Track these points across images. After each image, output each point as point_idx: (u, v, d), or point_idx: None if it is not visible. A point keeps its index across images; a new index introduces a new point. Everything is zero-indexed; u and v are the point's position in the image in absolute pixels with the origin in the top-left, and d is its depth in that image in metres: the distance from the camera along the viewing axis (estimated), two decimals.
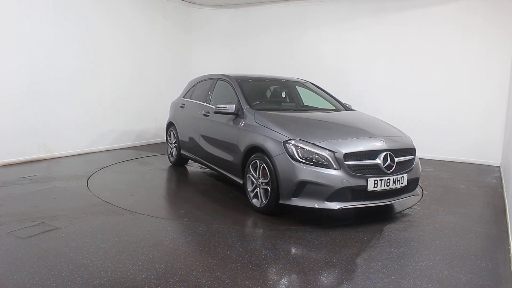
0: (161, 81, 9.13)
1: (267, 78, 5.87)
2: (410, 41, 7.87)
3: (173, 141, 6.57)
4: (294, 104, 5.63)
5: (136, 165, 6.66)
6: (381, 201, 4.02)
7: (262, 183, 4.19)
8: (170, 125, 6.77)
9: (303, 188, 3.84)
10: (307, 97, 5.89)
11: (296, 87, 5.88)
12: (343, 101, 5.74)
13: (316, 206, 3.83)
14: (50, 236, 3.47)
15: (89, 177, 5.61)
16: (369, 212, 4.42)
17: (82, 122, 7.32)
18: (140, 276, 2.80)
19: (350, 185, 3.79)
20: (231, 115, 4.85)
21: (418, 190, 4.53)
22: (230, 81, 5.33)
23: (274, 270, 2.99)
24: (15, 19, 6.15)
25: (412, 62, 7.90)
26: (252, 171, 4.35)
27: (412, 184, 4.32)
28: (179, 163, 6.55)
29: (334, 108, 5.41)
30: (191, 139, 5.91)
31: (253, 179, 4.34)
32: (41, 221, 3.82)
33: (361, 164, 3.90)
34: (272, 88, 5.77)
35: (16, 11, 6.15)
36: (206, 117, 5.46)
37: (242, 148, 4.51)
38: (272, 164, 4.03)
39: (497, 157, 7.30)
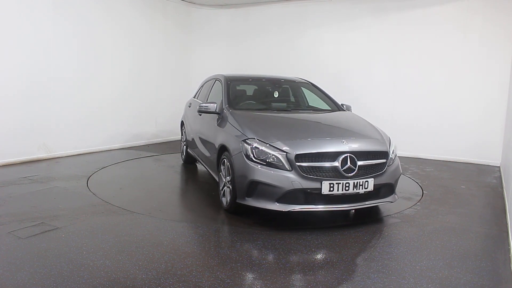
0: (161, 81, 9.13)
1: (263, 78, 5.86)
2: (410, 41, 7.87)
3: (184, 139, 6.75)
4: (285, 104, 5.54)
5: (136, 165, 6.66)
6: (340, 206, 3.80)
7: (228, 181, 4.17)
8: (182, 124, 6.98)
9: (255, 188, 3.78)
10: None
11: (294, 87, 5.84)
12: (343, 102, 5.72)
13: (267, 207, 3.74)
14: (50, 236, 3.47)
15: (89, 177, 5.61)
16: (369, 213, 4.42)
17: (82, 122, 7.32)
18: (140, 276, 2.80)
19: (301, 187, 3.65)
20: (216, 115, 4.89)
21: (395, 196, 4.22)
22: (221, 81, 5.40)
23: (274, 270, 2.99)
24: (15, 19, 6.15)
25: (412, 62, 7.90)
26: (222, 169, 4.38)
27: (384, 189, 4.04)
28: (188, 161, 6.72)
29: (329, 108, 5.31)
30: (192, 137, 6.06)
31: (223, 178, 4.35)
32: (41, 221, 3.82)
33: (315, 166, 3.72)
34: (264, 88, 5.75)
35: (16, 11, 6.15)
36: (200, 116, 5.57)
37: (217, 146, 4.56)
38: (230, 162, 4.04)
39: (497, 157, 7.30)
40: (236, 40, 9.75)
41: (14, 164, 6.21)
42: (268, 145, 3.83)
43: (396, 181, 4.19)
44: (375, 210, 4.52)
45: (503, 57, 7.12)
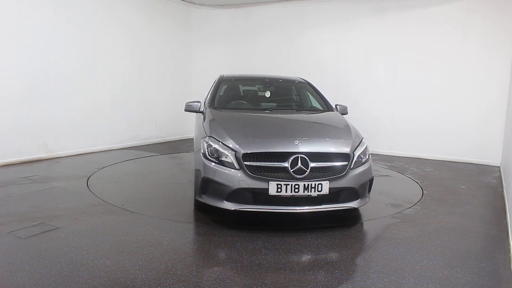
0: (161, 81, 9.13)
1: (260, 78, 5.85)
2: (410, 40, 7.87)
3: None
4: (275, 104, 5.46)
5: (136, 165, 6.66)
6: (289, 208, 3.69)
7: None
8: None
9: (208, 185, 3.81)
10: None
11: (290, 87, 5.78)
12: (342, 102, 5.68)
13: (217, 205, 3.75)
14: (50, 236, 3.47)
15: (89, 177, 5.60)
16: (368, 213, 4.42)
17: (82, 122, 7.32)
18: (140, 276, 2.80)
19: (248, 187, 3.61)
20: (201, 114, 4.94)
21: (360, 201, 3.94)
22: (216, 80, 5.51)
23: (274, 270, 2.99)
24: (14, 19, 6.15)
25: (412, 61, 7.91)
26: None
27: (345, 193, 3.83)
28: None
29: (320, 109, 5.22)
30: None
31: None
32: (41, 221, 3.82)
33: (263, 166, 3.65)
34: (258, 87, 5.72)
35: (15, 10, 6.15)
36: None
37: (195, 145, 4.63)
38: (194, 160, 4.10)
39: (497, 157, 7.30)
40: (236, 40, 9.75)
41: (14, 164, 6.21)
42: (221, 143, 3.84)
43: (362, 185, 3.92)
44: (375, 210, 4.52)
45: (503, 57, 7.13)
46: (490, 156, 7.37)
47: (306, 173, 3.63)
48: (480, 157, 7.45)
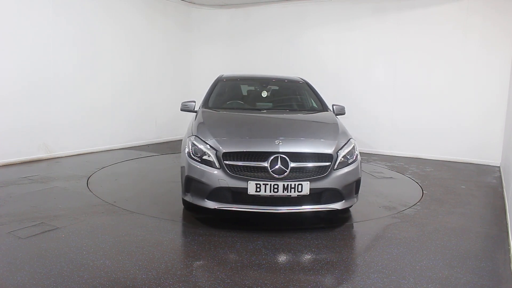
0: (161, 81, 9.13)
1: (258, 78, 5.84)
2: (410, 40, 7.87)
3: None
4: (271, 104, 5.44)
5: (136, 165, 6.66)
6: (269, 208, 3.65)
7: None
8: None
9: (190, 184, 3.85)
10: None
11: (288, 86, 5.74)
12: (341, 102, 5.64)
13: (199, 204, 3.78)
14: (50, 236, 3.47)
15: (89, 177, 5.60)
16: (369, 213, 4.42)
17: (82, 122, 7.32)
18: (140, 276, 2.80)
19: (228, 186, 3.62)
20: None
21: (344, 202, 3.83)
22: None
23: (274, 270, 2.99)
24: (14, 19, 6.15)
25: (412, 61, 7.91)
26: None
27: (327, 194, 3.76)
28: None
29: (315, 109, 5.17)
30: None
31: None
32: (41, 221, 3.82)
33: (242, 165, 3.65)
34: (256, 87, 5.71)
35: (15, 10, 6.15)
36: None
37: None
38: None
39: (497, 157, 7.30)
40: (236, 40, 9.75)
41: (14, 164, 6.21)
42: (204, 142, 3.87)
43: (347, 186, 3.82)
44: (375, 210, 4.52)
45: (503, 57, 7.13)
46: (490, 156, 7.37)
47: (286, 173, 3.60)
48: (480, 157, 7.45)
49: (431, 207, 4.71)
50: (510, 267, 3.16)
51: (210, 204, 3.71)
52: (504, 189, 5.42)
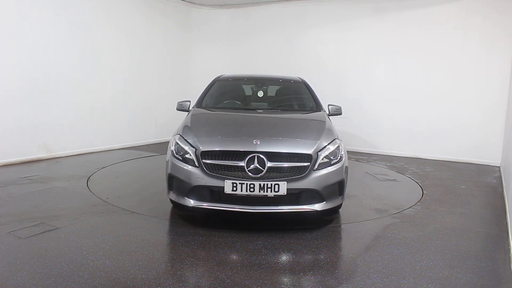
0: (161, 81, 9.13)
1: (256, 78, 5.84)
2: (410, 41, 7.87)
3: None
4: (266, 103, 5.45)
5: (136, 165, 6.66)
6: (246, 207, 3.64)
7: None
8: None
9: (172, 182, 3.91)
10: None
11: (286, 86, 5.73)
12: (340, 102, 5.63)
13: (179, 201, 3.84)
14: (50, 236, 3.47)
15: (89, 177, 5.60)
16: (369, 213, 4.42)
17: (82, 122, 7.31)
18: (140, 276, 2.80)
19: (205, 184, 3.66)
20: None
21: (325, 204, 3.77)
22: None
23: (274, 270, 2.99)
24: (14, 19, 6.14)
25: (412, 61, 7.91)
26: None
27: (306, 195, 3.71)
28: None
29: (309, 108, 5.13)
30: None
31: None
32: (41, 221, 3.82)
33: (219, 164, 3.67)
34: (253, 87, 5.72)
35: (15, 10, 6.15)
36: None
37: None
38: None
39: (497, 157, 7.30)
40: (236, 40, 9.75)
41: (14, 164, 6.20)
42: (185, 141, 3.93)
43: (328, 187, 3.76)
44: (375, 210, 4.52)
45: (503, 57, 7.13)
46: (490, 156, 7.37)
47: (263, 172, 3.59)
48: (480, 157, 7.45)
49: (431, 207, 4.71)
50: (510, 267, 3.16)
51: (189, 202, 3.77)
52: (504, 189, 5.42)
